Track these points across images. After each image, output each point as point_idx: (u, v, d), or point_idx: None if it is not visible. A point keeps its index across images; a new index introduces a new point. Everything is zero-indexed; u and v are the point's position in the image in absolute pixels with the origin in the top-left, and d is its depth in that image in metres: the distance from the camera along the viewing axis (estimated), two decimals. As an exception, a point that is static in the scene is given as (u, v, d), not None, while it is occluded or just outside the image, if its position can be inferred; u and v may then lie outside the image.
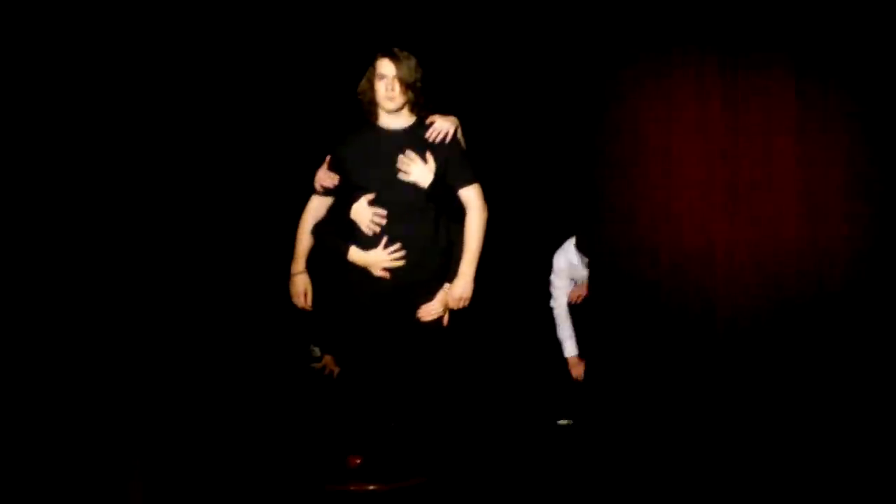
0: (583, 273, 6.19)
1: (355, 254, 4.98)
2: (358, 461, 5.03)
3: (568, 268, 6.23)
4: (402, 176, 4.91)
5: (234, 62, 6.38)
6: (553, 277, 6.28)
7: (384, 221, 4.92)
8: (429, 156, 4.92)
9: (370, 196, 4.94)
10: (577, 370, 6.22)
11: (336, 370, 5.94)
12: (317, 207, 5.12)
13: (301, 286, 5.12)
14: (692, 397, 5.11)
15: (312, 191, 5.12)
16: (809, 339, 4.98)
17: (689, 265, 5.13)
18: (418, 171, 4.91)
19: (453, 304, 5.00)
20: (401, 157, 4.91)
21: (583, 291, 6.19)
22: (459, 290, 4.97)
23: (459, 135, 5.02)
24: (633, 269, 5.19)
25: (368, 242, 4.95)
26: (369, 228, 4.94)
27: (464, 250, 4.98)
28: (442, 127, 4.96)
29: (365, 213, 4.95)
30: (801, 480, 4.87)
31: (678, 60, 5.15)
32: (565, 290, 6.26)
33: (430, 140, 4.94)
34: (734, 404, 5.05)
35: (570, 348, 6.28)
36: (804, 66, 5.06)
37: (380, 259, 4.94)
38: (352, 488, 4.90)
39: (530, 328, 6.62)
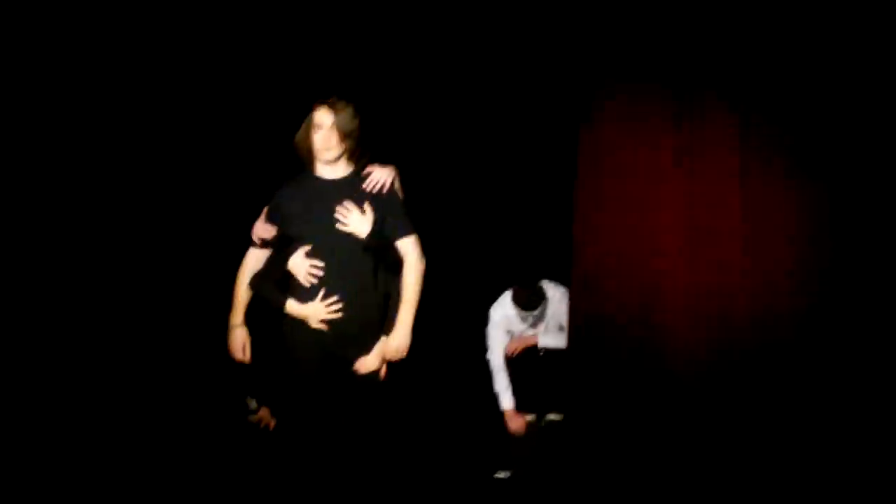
0: (520, 326, 6.20)
1: (292, 306, 4.95)
2: (294, 516, 4.98)
3: (504, 320, 6.23)
4: (339, 227, 4.89)
5: (171, 111, 6.35)
6: (489, 330, 6.28)
7: (321, 273, 4.90)
8: (367, 206, 4.91)
9: (307, 248, 4.92)
10: (514, 423, 6.20)
11: (272, 422, 5.88)
12: (255, 259, 5.09)
13: (239, 340, 5.07)
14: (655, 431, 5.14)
15: (250, 243, 5.08)
16: (756, 378, 5.04)
17: (650, 304, 5.19)
18: (356, 221, 4.89)
19: (391, 356, 4.97)
20: (338, 207, 4.89)
21: (519, 345, 6.20)
22: (397, 341, 4.94)
23: (397, 185, 5.02)
24: (598, 312, 5.22)
25: (306, 295, 4.92)
26: (306, 280, 4.91)
27: (401, 302, 4.96)
28: (379, 177, 4.95)
29: (301, 265, 4.92)
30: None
31: (635, 110, 5.22)
32: (502, 343, 6.26)
33: (368, 190, 4.93)
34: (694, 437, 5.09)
35: (506, 401, 6.25)
36: (748, 114, 5.15)
37: (317, 312, 4.91)
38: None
39: (467, 381, 6.59)
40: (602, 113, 5.26)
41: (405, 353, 4.98)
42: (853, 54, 4.97)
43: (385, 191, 4.95)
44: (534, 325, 6.19)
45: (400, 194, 5.02)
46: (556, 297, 6.16)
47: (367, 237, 4.89)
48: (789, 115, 5.18)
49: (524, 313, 6.11)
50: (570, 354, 5.24)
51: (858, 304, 5.00)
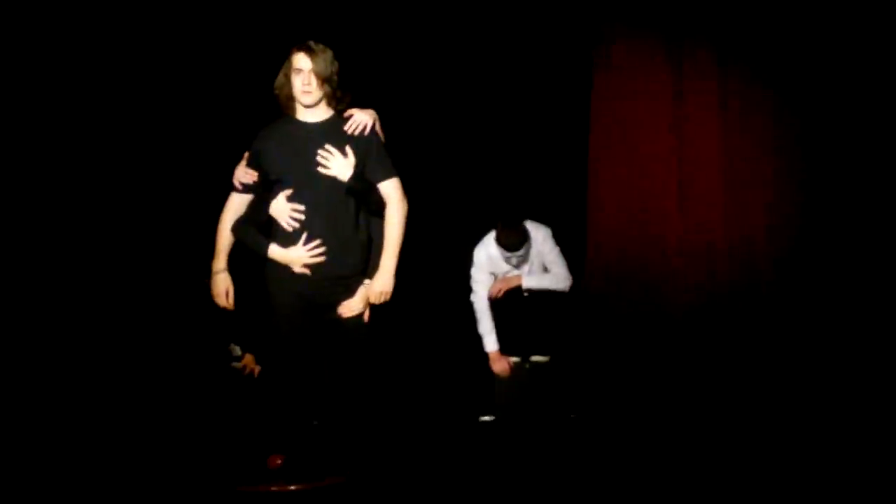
0: (504, 267, 6.18)
1: (275, 251, 4.92)
2: (279, 461, 4.98)
3: (488, 262, 6.20)
4: (321, 170, 4.86)
5: (151, 61, 6.30)
6: (473, 271, 6.25)
7: (303, 217, 4.87)
8: (348, 149, 4.88)
9: (288, 192, 4.89)
10: (499, 365, 6.21)
11: (256, 369, 5.88)
12: (236, 205, 5.05)
13: (222, 285, 5.05)
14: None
15: (231, 188, 5.04)
16: (738, 308, 5.16)
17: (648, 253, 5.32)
18: (338, 164, 4.87)
19: (374, 299, 4.96)
20: (320, 151, 4.86)
21: (503, 286, 6.18)
22: (380, 284, 4.93)
23: (378, 128, 4.98)
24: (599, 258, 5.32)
25: (288, 239, 4.90)
26: (288, 224, 4.89)
27: (384, 244, 4.94)
28: (360, 120, 4.92)
29: (283, 209, 4.90)
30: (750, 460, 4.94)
31: (636, 59, 5.32)
32: (485, 285, 6.24)
33: (349, 133, 4.90)
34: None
35: (490, 343, 6.25)
36: (726, 59, 5.19)
37: (300, 256, 4.89)
38: (273, 489, 4.84)
39: (451, 324, 6.59)
40: (608, 60, 5.34)
41: (389, 297, 4.97)
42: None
43: (366, 133, 4.92)
44: (517, 265, 6.16)
45: (381, 137, 4.99)
46: (539, 237, 6.14)
47: (349, 180, 4.86)
48: (765, 54, 5.25)
49: (508, 254, 6.09)
50: (586, 291, 5.33)
51: (830, 237, 5.09)
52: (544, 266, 6.13)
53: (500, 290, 6.20)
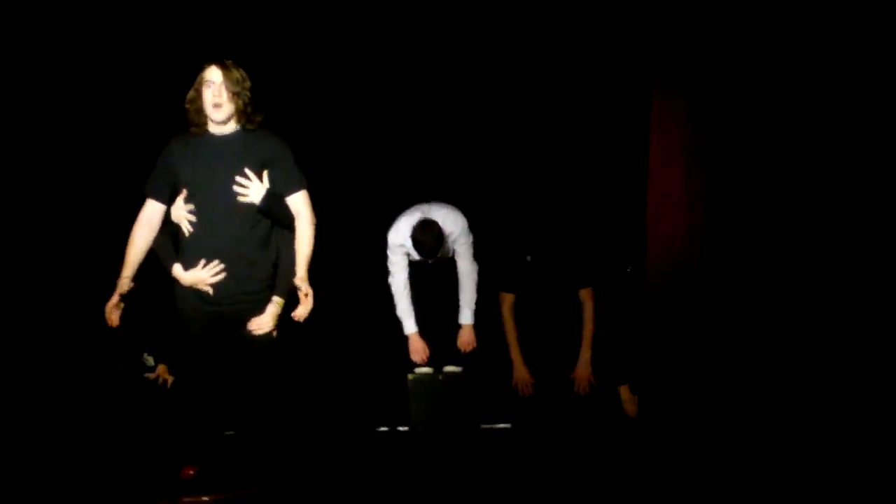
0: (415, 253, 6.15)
1: (178, 272, 4.92)
2: (192, 472, 4.99)
3: (402, 245, 6.17)
4: (241, 199, 4.85)
5: (68, 69, 6.25)
6: (389, 253, 6.15)
7: (194, 218, 4.86)
8: (264, 175, 4.88)
9: (185, 195, 4.88)
10: (417, 348, 6.16)
11: (170, 380, 5.86)
12: (149, 213, 4.98)
13: (114, 298, 4.93)
14: None
15: (143, 198, 5.00)
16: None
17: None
18: (254, 190, 4.86)
19: (302, 319, 4.97)
20: (237, 178, 4.84)
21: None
22: (305, 307, 4.96)
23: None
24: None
25: (192, 257, 4.89)
26: (187, 229, 4.88)
27: (297, 261, 4.92)
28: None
29: (181, 213, 4.89)
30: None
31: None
32: (402, 266, 6.16)
33: (256, 146, 4.88)
34: None
35: (409, 326, 6.17)
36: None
37: (201, 278, 4.88)
38: (185, 500, 4.85)
39: (365, 330, 6.56)
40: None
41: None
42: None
43: (273, 147, 4.91)
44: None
45: (289, 150, 4.98)
46: (448, 226, 6.08)
47: (261, 202, 4.86)
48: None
49: (420, 258, 6.07)
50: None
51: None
52: (455, 251, 6.13)
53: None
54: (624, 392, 6.11)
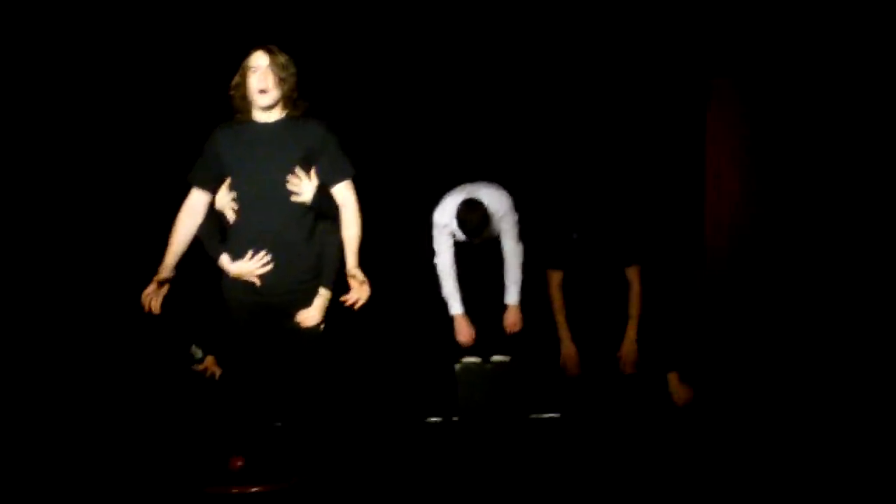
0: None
1: (225, 263, 4.89)
2: (240, 463, 4.97)
3: (449, 225, 6.13)
4: (294, 198, 4.81)
5: (109, 60, 6.27)
6: (435, 233, 6.11)
7: (237, 206, 4.83)
8: (312, 172, 4.84)
9: (230, 182, 4.85)
10: (463, 329, 6.09)
11: (218, 371, 5.86)
12: (194, 202, 4.93)
13: (152, 285, 4.86)
14: None
15: (189, 186, 4.97)
16: None
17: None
18: (307, 188, 4.82)
19: (360, 305, 4.89)
20: (289, 177, 4.80)
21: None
22: (362, 293, 4.87)
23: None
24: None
25: (239, 248, 4.86)
26: (230, 217, 4.85)
27: (346, 250, 4.87)
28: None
29: (226, 202, 4.87)
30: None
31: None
32: (448, 246, 6.11)
33: (301, 133, 4.84)
34: None
35: (455, 306, 6.12)
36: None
37: (248, 269, 4.85)
38: (234, 490, 4.84)
39: (414, 319, 6.52)
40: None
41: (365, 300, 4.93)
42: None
43: (319, 135, 4.88)
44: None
45: (335, 139, 4.93)
46: (494, 205, 6.04)
47: (312, 200, 4.83)
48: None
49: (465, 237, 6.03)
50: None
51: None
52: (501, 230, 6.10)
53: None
54: (673, 380, 6.02)
